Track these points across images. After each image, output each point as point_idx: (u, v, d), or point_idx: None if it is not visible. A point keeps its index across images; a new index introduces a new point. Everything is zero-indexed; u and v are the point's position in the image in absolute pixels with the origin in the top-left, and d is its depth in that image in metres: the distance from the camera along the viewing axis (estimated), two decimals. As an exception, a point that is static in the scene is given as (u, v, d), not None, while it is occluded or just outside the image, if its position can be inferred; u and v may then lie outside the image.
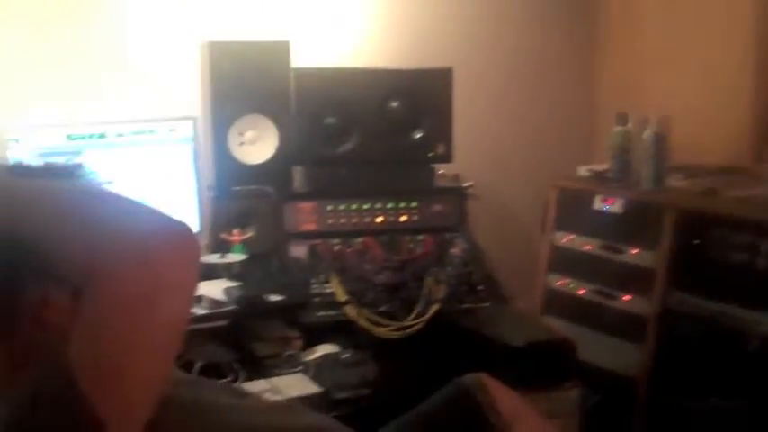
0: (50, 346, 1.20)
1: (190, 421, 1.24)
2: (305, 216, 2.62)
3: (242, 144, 2.65)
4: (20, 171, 1.32)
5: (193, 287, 1.13)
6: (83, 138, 2.44)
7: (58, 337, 1.21)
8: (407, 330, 2.39)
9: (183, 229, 1.12)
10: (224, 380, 2.10)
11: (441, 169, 2.85)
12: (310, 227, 2.62)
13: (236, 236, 2.57)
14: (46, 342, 1.22)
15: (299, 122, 2.67)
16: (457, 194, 2.77)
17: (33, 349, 1.22)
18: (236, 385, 2.04)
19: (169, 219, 1.14)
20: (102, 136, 2.47)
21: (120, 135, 2.49)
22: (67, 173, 1.34)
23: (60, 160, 1.40)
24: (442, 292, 2.48)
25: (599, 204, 2.86)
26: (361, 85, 2.72)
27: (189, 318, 1.13)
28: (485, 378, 1.70)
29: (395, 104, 2.75)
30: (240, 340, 2.28)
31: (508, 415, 1.61)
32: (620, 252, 2.77)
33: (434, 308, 2.44)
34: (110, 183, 1.39)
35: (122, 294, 1.06)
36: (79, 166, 1.36)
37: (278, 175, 2.69)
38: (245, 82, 2.64)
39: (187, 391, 1.30)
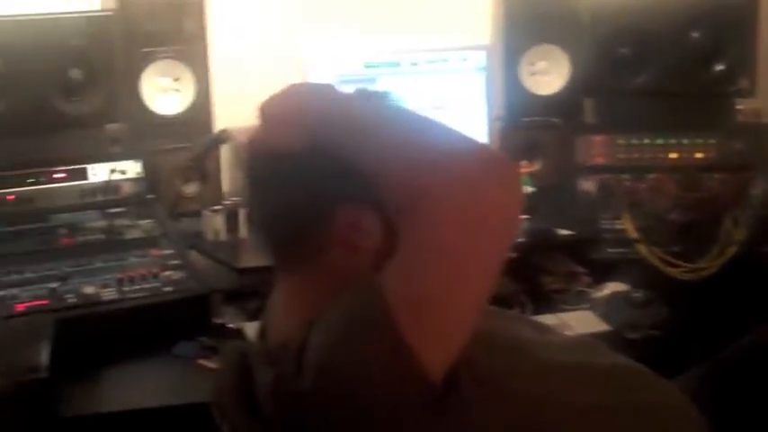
0: (360, 273, 1.23)
1: (495, 354, 1.23)
2: (595, 149, 2.55)
3: (533, 74, 2.61)
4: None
5: (517, 218, 1.10)
6: (378, 66, 2.48)
7: (367, 262, 1.24)
8: (702, 272, 2.29)
9: (505, 158, 1.10)
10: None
11: (740, 104, 2.68)
12: (600, 161, 2.54)
13: (524, 167, 2.54)
14: (355, 267, 1.25)
15: (592, 52, 2.59)
16: (759, 131, 2.60)
17: (343, 275, 1.25)
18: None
19: (490, 148, 1.12)
20: (396, 64, 2.50)
21: (414, 64, 2.52)
22: (377, 99, 1.36)
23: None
24: (740, 234, 2.34)
25: None
26: (660, 13, 2.59)
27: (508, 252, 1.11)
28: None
29: (695, 34, 2.60)
30: (528, 273, 2.26)
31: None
32: None
33: (732, 250, 2.31)
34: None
35: (446, 222, 1.05)
36: (387, 93, 1.38)
37: (568, 106, 2.63)
38: (538, 11, 2.59)
39: (492, 322, 1.29)
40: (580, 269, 2.31)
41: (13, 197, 2.20)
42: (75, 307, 1.95)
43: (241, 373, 1.32)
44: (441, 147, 1.12)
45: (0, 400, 1.63)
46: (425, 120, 1.20)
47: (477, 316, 1.11)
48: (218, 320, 2.02)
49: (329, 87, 1.31)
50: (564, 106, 2.62)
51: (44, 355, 1.71)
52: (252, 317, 2.01)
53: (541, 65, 2.61)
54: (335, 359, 1.11)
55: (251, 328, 1.93)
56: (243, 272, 2.18)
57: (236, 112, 2.45)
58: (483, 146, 1.13)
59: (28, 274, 2.02)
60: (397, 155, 1.13)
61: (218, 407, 1.36)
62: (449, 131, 1.15)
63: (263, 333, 1.38)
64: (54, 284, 1.99)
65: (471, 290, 1.09)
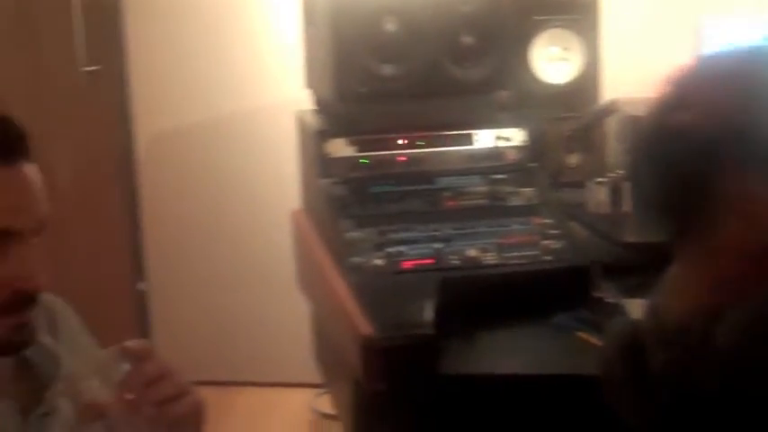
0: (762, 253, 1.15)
1: None
2: None
3: None
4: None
5: None
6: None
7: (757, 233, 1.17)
8: None
9: None
10: None
11: None
12: None
13: None
14: (754, 244, 1.17)
15: None
16: None
17: (742, 253, 1.18)
18: None
19: None
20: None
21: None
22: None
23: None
24: None
25: None
26: None
27: None
28: None
29: None
30: None
31: None
32: None
33: None
34: None
35: None
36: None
37: None
38: None
39: None
40: None
41: (404, 159, 2.29)
42: (457, 268, 2.01)
43: (631, 351, 1.29)
44: None
45: (391, 352, 1.71)
46: None
47: None
48: (597, 294, 1.99)
49: (746, 60, 1.23)
50: None
51: (431, 313, 1.78)
52: (632, 293, 1.95)
53: None
54: (746, 368, 1.06)
55: (631, 305, 1.88)
56: (626, 246, 2.12)
57: (625, 83, 2.40)
58: None
59: (415, 234, 2.09)
60: None
61: (606, 383, 1.34)
62: None
63: (655, 312, 1.33)
64: (438, 245, 2.05)
65: None
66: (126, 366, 1.00)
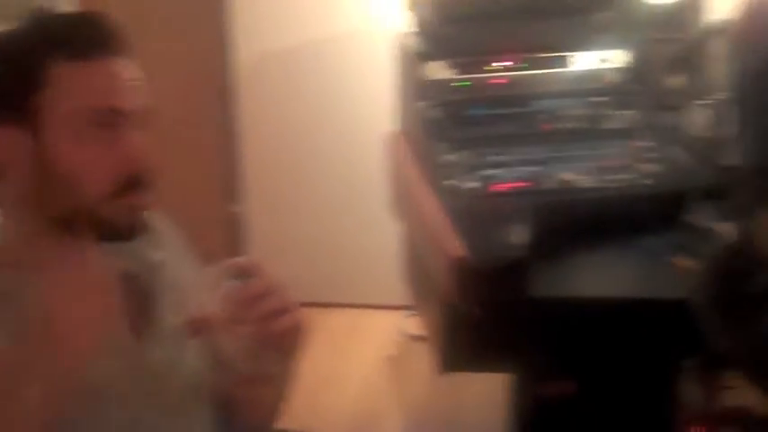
0: None
1: None
2: None
3: None
4: None
5: None
6: None
7: None
8: None
9: None
10: None
11: None
12: None
13: None
14: None
15: None
16: None
17: None
18: None
19: None
20: None
21: None
22: None
23: None
24: None
25: None
26: None
27: None
28: None
29: None
30: None
31: None
32: None
33: None
34: None
35: None
36: None
37: None
38: None
39: None
40: None
41: (502, 81, 2.26)
42: (553, 191, 1.99)
43: (728, 275, 1.27)
44: None
45: (482, 274, 1.71)
46: None
47: None
48: (690, 218, 1.95)
49: None
50: None
51: (524, 236, 1.77)
52: (726, 217, 1.91)
53: None
54: None
55: (723, 229, 1.84)
56: (725, 170, 2.07)
57: (729, 3, 2.31)
58: None
59: (510, 157, 2.08)
60: None
61: (699, 308, 1.32)
62: None
63: (756, 235, 1.30)
64: (534, 168, 2.04)
65: None
66: (234, 283, 1.01)
